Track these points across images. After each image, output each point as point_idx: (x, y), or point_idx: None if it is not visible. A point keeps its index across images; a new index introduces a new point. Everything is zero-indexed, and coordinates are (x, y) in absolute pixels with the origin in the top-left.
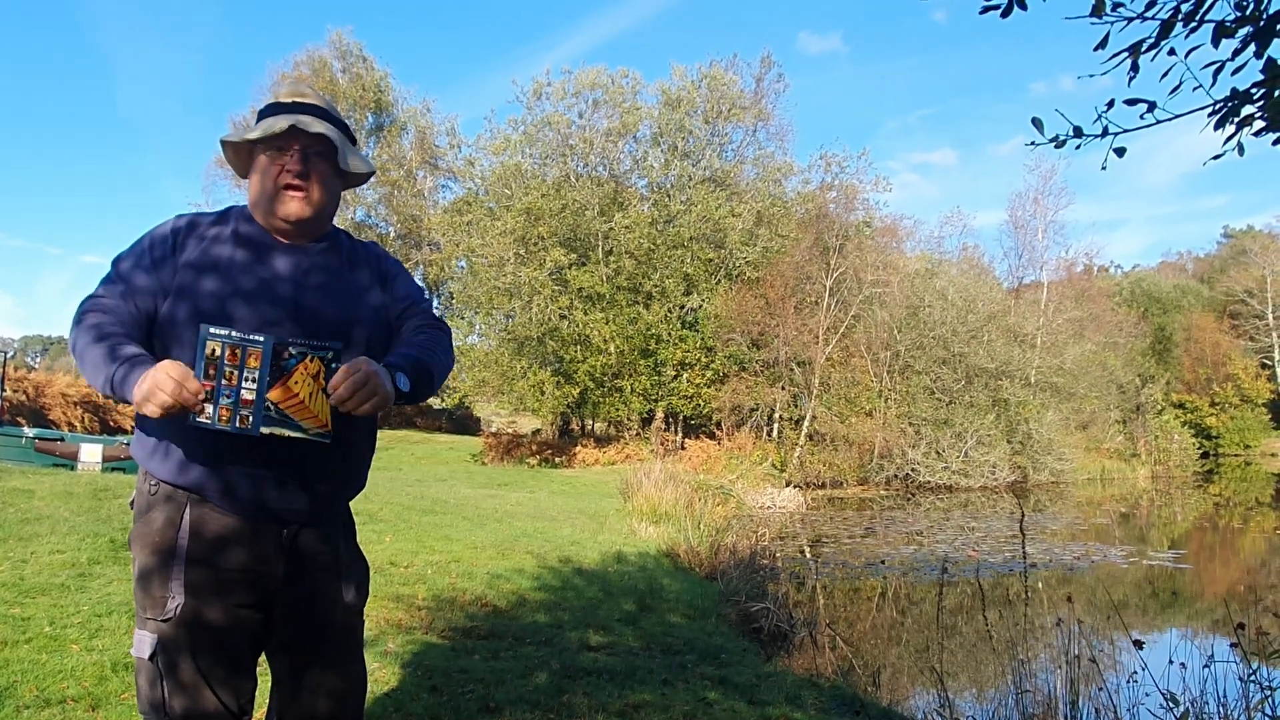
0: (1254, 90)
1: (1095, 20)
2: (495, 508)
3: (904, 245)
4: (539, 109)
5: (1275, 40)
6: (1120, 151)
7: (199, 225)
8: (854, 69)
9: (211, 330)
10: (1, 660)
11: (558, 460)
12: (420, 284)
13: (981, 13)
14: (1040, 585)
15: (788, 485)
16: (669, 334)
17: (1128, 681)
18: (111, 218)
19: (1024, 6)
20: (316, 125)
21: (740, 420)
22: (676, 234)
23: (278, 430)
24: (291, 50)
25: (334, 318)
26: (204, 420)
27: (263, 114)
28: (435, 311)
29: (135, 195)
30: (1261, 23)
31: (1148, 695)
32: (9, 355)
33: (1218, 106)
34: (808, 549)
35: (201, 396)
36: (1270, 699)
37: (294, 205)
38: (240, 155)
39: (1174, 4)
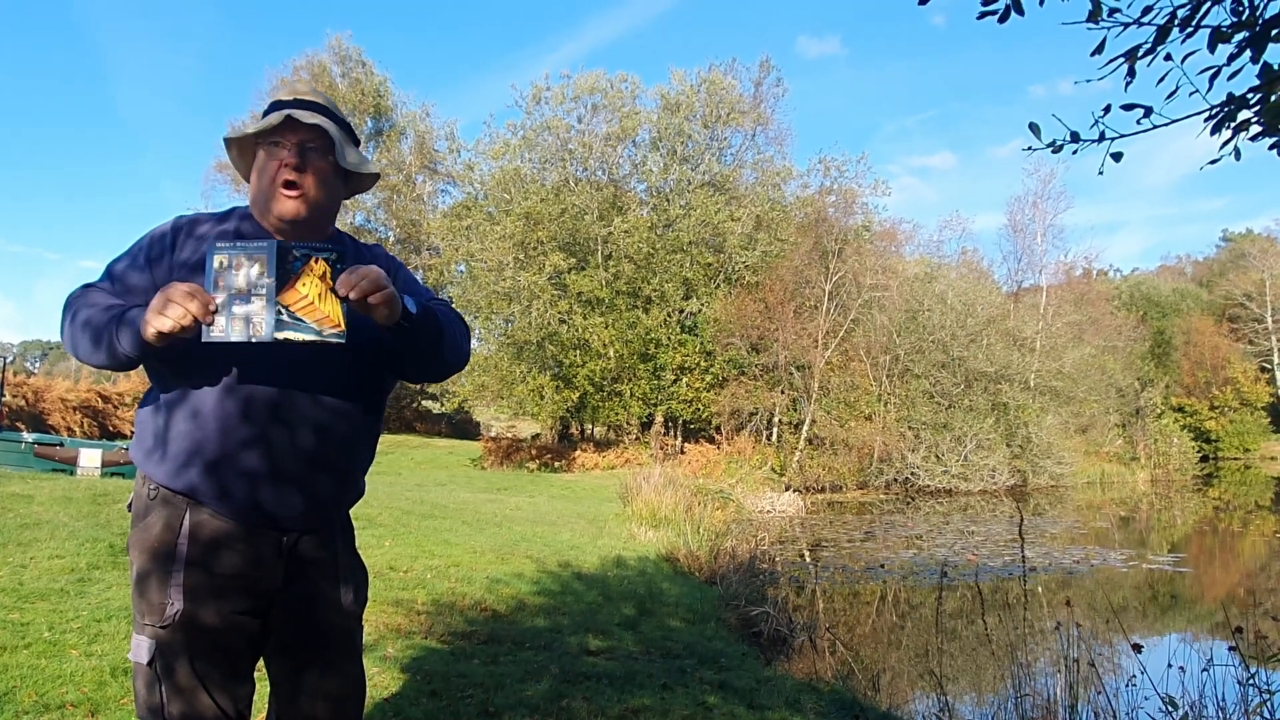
0: (1250, 95)
1: (1091, 25)
2: (494, 512)
3: (903, 249)
4: (538, 113)
5: (1271, 45)
6: (1117, 156)
7: (198, 225)
8: (853, 72)
9: (218, 245)
10: (0, 665)
11: (557, 465)
12: None
13: (979, 17)
14: (1040, 589)
15: (787, 489)
16: (668, 338)
17: (1127, 685)
18: (110, 222)
19: (1021, 11)
20: (313, 118)
21: (739, 424)
22: (675, 238)
23: (291, 335)
24: (290, 55)
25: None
26: (217, 334)
27: (266, 114)
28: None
29: (134, 200)
30: (1258, 28)
31: (1147, 699)
32: (8, 360)
33: (1214, 111)
34: (807, 553)
35: (212, 308)
36: (1269, 702)
37: (289, 204)
38: (244, 155)
39: (1170, 9)
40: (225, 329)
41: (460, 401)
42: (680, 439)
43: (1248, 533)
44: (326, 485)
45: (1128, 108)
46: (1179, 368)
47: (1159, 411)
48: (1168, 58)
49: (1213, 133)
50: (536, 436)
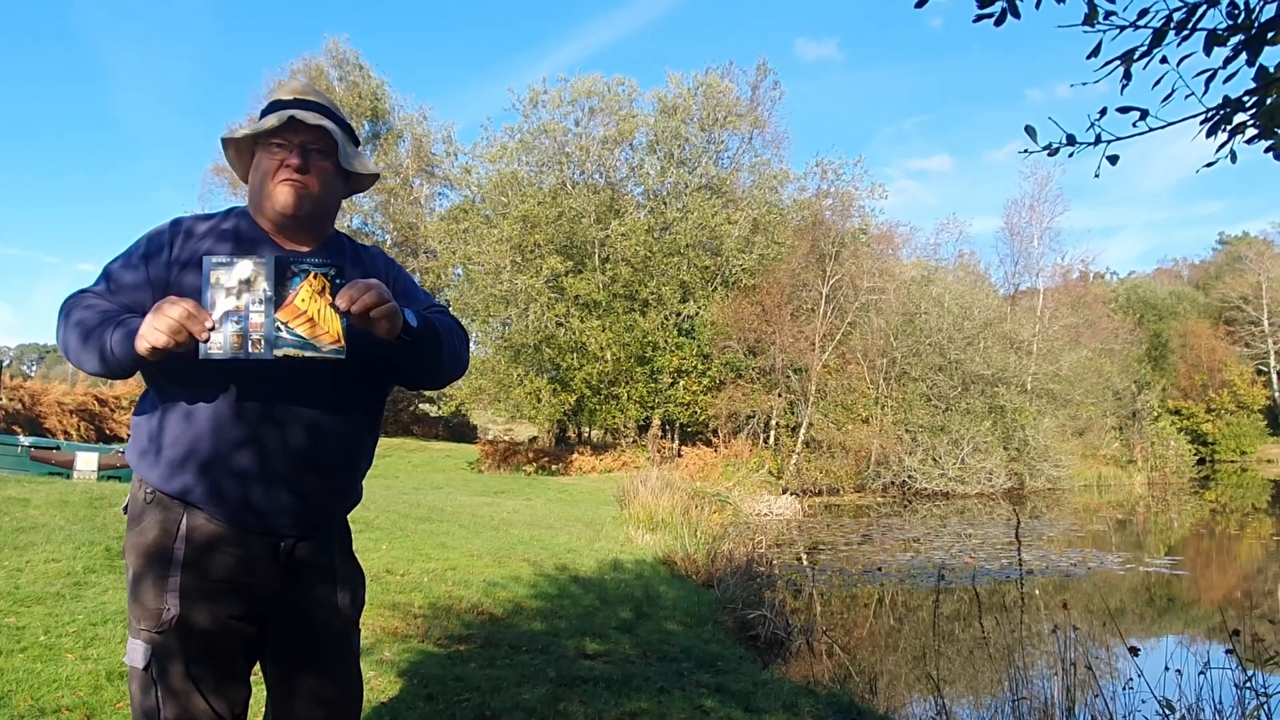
0: (1246, 98)
1: (1088, 28)
2: (492, 515)
3: (900, 252)
4: (535, 117)
5: (1267, 48)
6: (1113, 159)
7: (197, 224)
8: (850, 75)
9: (213, 260)
10: None
11: (554, 468)
12: None
13: (975, 20)
14: (1037, 592)
15: (784, 492)
16: (665, 341)
17: (1124, 688)
18: (108, 225)
19: (1017, 14)
20: (316, 119)
21: (737, 427)
22: (673, 241)
23: (290, 351)
24: (288, 58)
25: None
26: (215, 351)
27: (264, 114)
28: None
29: (132, 203)
30: (1253, 30)
31: (1144, 702)
32: (5, 363)
33: (1210, 114)
34: (805, 556)
35: (209, 325)
36: (1266, 705)
37: (290, 196)
38: (242, 155)
39: (1166, 12)
40: (223, 345)
41: (457, 405)
42: (677, 442)
43: (1244, 535)
44: (318, 485)
45: (1124, 110)
46: (1176, 370)
47: (1156, 414)
48: (1164, 60)
49: (1209, 135)
50: (534, 439)
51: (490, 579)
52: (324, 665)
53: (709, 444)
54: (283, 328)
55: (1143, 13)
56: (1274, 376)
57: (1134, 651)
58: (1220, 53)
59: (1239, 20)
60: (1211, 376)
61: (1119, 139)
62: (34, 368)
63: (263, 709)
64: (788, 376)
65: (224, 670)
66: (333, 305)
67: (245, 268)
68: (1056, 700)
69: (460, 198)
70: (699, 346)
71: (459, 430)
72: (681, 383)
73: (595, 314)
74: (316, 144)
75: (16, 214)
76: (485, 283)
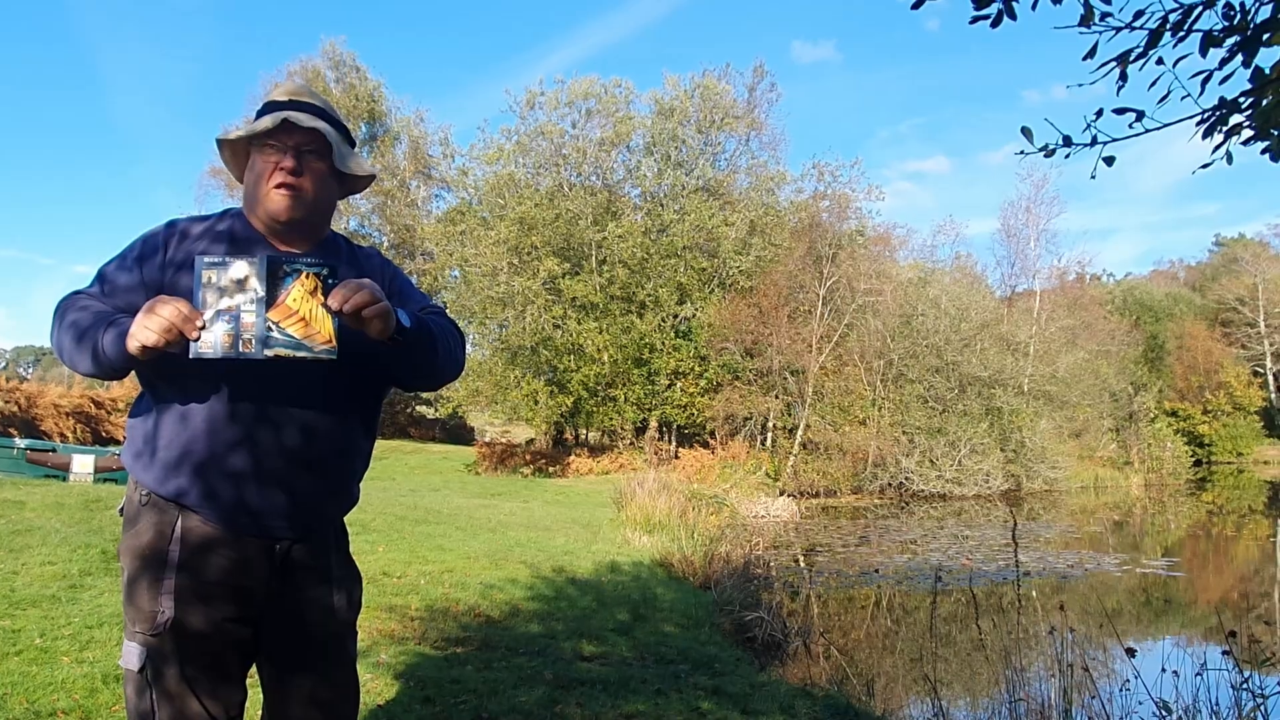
0: (1242, 99)
1: (1084, 30)
2: (489, 517)
3: (897, 254)
4: (532, 118)
5: (1262, 49)
6: (1109, 160)
7: (191, 226)
8: (847, 77)
9: (206, 259)
10: None
11: (551, 470)
12: None
13: (972, 22)
14: (1034, 593)
15: (782, 494)
16: (662, 343)
17: (1121, 689)
18: (104, 228)
19: (1013, 16)
20: (311, 121)
21: (734, 429)
22: (670, 243)
23: (281, 351)
24: (285, 60)
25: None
26: (205, 350)
27: (259, 114)
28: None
29: (128, 205)
30: (1249, 32)
31: (1141, 703)
32: (0, 366)
33: (1206, 115)
34: (802, 558)
35: (200, 324)
36: (1263, 707)
37: (284, 203)
38: (237, 156)
39: (1162, 13)
40: (214, 345)
41: (454, 407)
42: (674, 444)
43: (1241, 537)
44: (312, 486)
45: (1120, 112)
46: (1172, 372)
47: (1152, 416)
48: (1159, 62)
49: (1205, 137)
50: (531, 442)
51: (487, 581)
52: (320, 667)
53: (706, 446)
54: (274, 327)
55: (1139, 14)
56: (1270, 378)
57: (1131, 653)
58: (1216, 54)
59: (1235, 21)
60: (1208, 378)
61: (1115, 140)
62: (30, 370)
63: (259, 712)
64: (785, 378)
65: (219, 673)
66: (325, 305)
67: (237, 267)
68: (1054, 702)
69: (457, 200)
70: (696, 348)
71: (456, 432)
72: (678, 384)
73: (592, 316)
74: (311, 146)
75: (13, 216)
76: (482, 284)
